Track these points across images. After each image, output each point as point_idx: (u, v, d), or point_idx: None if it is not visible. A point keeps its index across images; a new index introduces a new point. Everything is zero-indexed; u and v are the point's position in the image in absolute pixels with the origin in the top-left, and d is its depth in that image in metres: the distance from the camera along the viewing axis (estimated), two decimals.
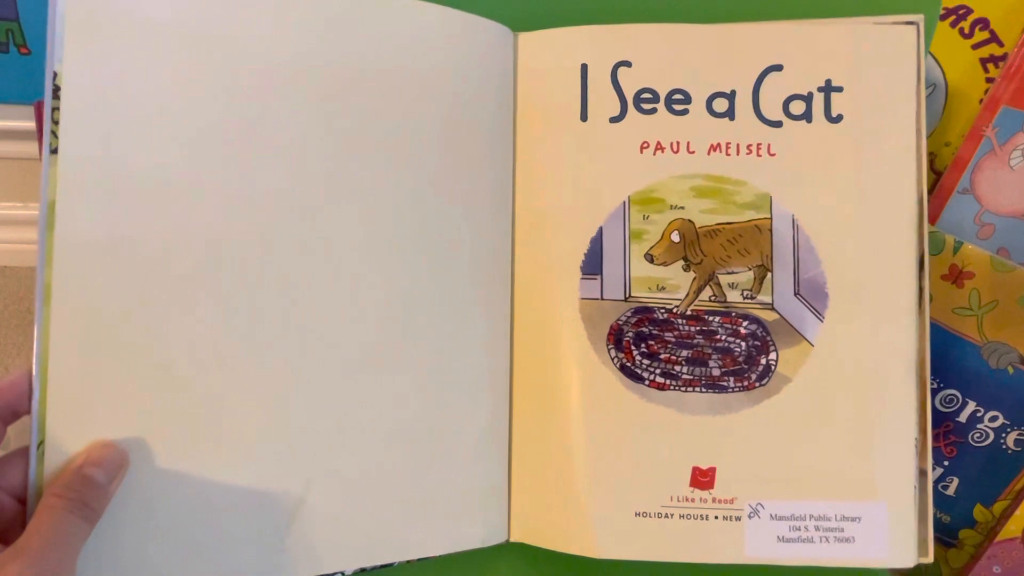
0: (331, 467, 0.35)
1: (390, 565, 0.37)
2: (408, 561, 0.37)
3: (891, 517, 0.38)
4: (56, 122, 0.30)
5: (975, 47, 0.47)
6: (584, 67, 0.41)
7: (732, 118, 0.40)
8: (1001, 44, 0.43)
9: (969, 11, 0.47)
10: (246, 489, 0.33)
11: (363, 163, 0.37)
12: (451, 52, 0.39)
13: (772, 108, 0.40)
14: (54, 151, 0.30)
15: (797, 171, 0.40)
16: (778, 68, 0.40)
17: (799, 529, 0.39)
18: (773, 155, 0.40)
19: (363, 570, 0.36)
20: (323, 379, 0.35)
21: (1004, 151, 0.44)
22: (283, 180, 0.35)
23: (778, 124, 0.40)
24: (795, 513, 0.39)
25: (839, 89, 0.40)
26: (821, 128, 0.40)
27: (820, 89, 0.40)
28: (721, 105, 0.40)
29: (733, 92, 0.40)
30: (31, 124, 0.49)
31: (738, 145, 0.40)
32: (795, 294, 0.40)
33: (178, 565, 0.32)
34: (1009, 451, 0.45)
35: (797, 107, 0.40)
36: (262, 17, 0.35)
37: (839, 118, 0.40)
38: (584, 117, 0.41)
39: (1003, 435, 0.45)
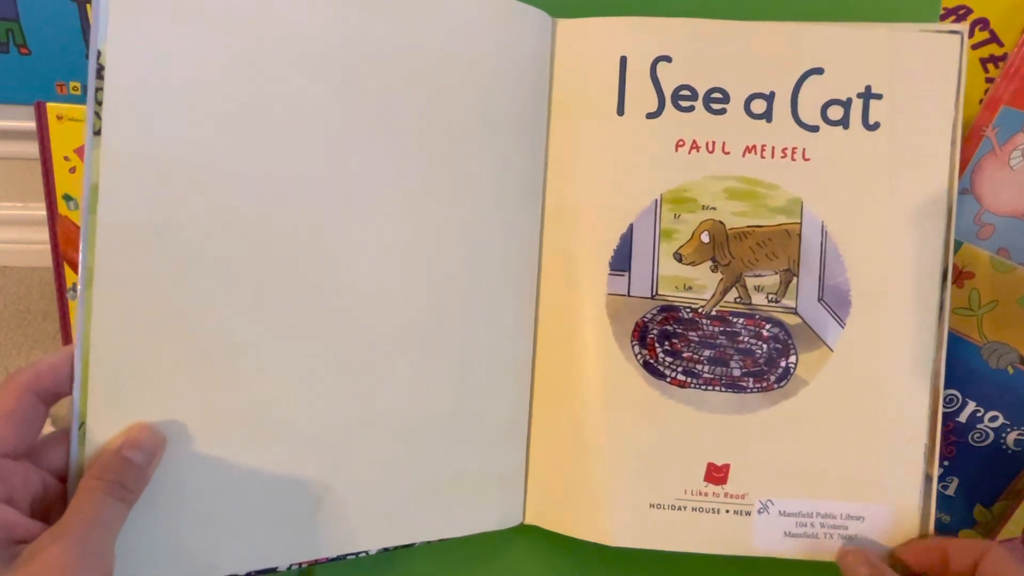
0: (358, 451, 0.36)
1: (411, 545, 0.38)
2: (428, 542, 0.39)
3: (894, 519, 0.40)
4: (99, 103, 0.30)
5: (975, 47, 0.47)
6: (623, 59, 0.40)
7: (769, 120, 0.40)
8: (1001, 44, 0.43)
9: (969, 11, 0.47)
10: (277, 471, 0.34)
11: (397, 149, 0.37)
12: (488, 36, 0.39)
13: (810, 112, 0.40)
14: (97, 132, 0.30)
15: (830, 178, 0.40)
16: (819, 71, 0.40)
17: (805, 525, 0.40)
18: (807, 160, 0.40)
19: (386, 550, 0.37)
20: (353, 366, 0.36)
21: (1004, 151, 0.43)
22: (320, 164, 0.35)
23: (815, 129, 0.40)
24: (803, 510, 0.40)
25: (879, 96, 0.40)
26: (858, 135, 0.40)
27: (860, 95, 0.40)
28: (759, 106, 0.40)
29: (772, 94, 0.40)
30: (31, 124, 0.48)
31: (773, 148, 0.40)
32: (819, 300, 0.40)
33: (210, 544, 0.33)
34: (1009, 451, 0.45)
35: (835, 112, 0.40)
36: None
37: (876, 126, 0.40)
38: (621, 111, 0.40)
39: (1003, 435, 0.45)
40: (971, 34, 0.47)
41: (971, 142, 0.44)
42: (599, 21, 0.41)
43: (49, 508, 0.30)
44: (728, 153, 0.40)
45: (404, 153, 0.37)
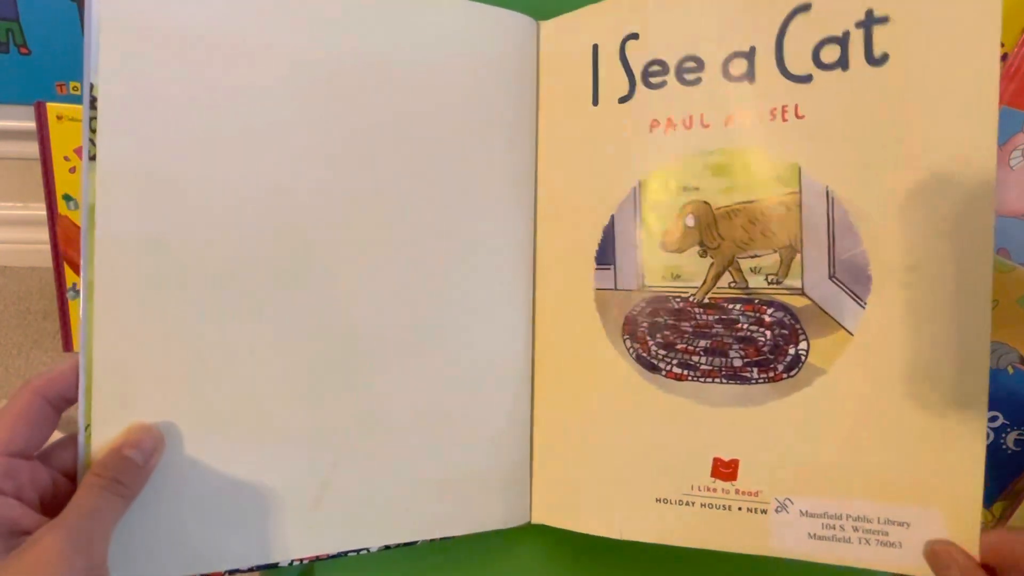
0: (358, 449, 0.38)
1: (414, 543, 0.40)
2: (432, 540, 0.40)
3: (950, 527, 0.34)
4: (94, 131, 0.34)
5: None
6: (595, 47, 0.38)
7: (752, 80, 0.35)
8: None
9: None
10: (278, 469, 0.37)
11: (389, 158, 0.38)
12: (475, 46, 0.39)
13: (799, 60, 0.35)
14: (92, 158, 0.34)
15: (831, 134, 0.34)
16: (805, 8, 0.34)
17: (834, 528, 0.36)
18: (801, 117, 0.35)
19: (387, 547, 0.40)
20: (353, 366, 0.38)
21: (1004, 151, 0.43)
22: (310, 176, 0.37)
23: (807, 79, 0.35)
24: (829, 511, 0.36)
25: (883, 20, 0.33)
26: (861, 75, 0.34)
27: (859, 24, 0.33)
28: (739, 67, 0.36)
29: (752, 49, 0.35)
30: (31, 124, 0.49)
31: (760, 111, 0.35)
32: (830, 277, 0.35)
33: (211, 539, 0.36)
34: (1009, 451, 0.45)
35: (830, 53, 0.34)
36: (288, 19, 0.36)
37: (884, 59, 0.33)
38: (595, 101, 0.38)
39: (1003, 435, 0.45)
40: None
41: None
42: (573, 15, 0.39)
43: (60, 506, 0.32)
44: (708, 126, 0.36)
45: (396, 162, 0.38)
